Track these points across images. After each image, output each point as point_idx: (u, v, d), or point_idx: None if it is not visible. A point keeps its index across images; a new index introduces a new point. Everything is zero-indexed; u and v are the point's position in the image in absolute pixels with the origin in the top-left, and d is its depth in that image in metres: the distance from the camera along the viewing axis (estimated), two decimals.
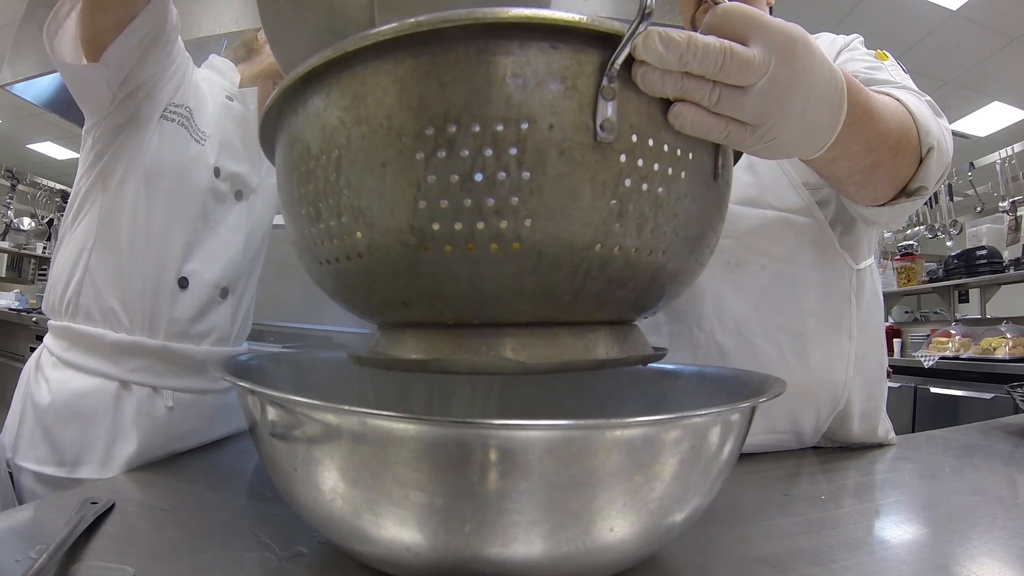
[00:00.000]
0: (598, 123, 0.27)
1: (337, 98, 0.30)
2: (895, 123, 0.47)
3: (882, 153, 0.47)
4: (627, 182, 0.28)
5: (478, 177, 0.27)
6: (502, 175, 0.27)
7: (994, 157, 3.38)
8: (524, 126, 0.27)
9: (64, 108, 2.43)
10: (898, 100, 0.51)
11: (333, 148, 0.30)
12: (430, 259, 0.29)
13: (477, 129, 0.27)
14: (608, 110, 0.27)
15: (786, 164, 0.69)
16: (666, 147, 0.30)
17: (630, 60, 0.28)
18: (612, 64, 0.27)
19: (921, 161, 0.51)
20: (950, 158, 0.54)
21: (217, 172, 0.75)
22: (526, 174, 0.27)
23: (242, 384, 0.32)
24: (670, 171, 0.30)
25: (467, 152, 0.27)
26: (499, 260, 0.28)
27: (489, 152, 0.27)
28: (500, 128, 0.27)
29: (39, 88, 2.33)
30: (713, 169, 0.33)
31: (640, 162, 0.29)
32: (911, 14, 3.09)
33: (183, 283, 0.70)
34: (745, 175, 0.70)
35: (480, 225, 0.27)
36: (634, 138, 0.28)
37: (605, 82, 0.27)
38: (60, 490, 0.62)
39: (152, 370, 0.68)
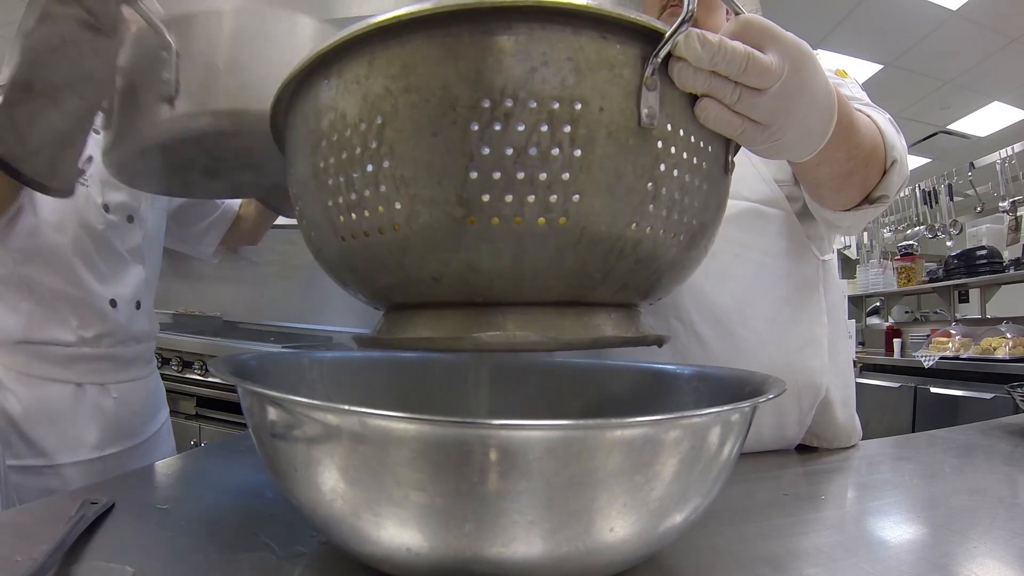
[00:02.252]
0: (642, 110, 0.29)
1: (382, 66, 0.29)
2: (869, 136, 0.53)
3: (857, 162, 0.52)
4: (662, 167, 0.30)
5: (532, 151, 0.28)
6: (556, 151, 0.28)
7: (994, 157, 3.38)
8: (578, 107, 0.28)
9: None
10: (868, 116, 0.56)
11: (376, 115, 0.29)
12: (474, 232, 0.29)
13: (534, 105, 0.28)
14: (651, 99, 0.29)
15: (756, 160, 0.71)
16: (692, 138, 0.32)
17: (666, 56, 0.30)
18: (655, 57, 0.29)
19: (885, 172, 0.56)
20: (908, 172, 0.59)
21: (106, 208, 0.82)
22: (578, 152, 0.28)
23: (242, 384, 0.32)
24: (695, 160, 0.32)
25: (523, 127, 0.28)
26: (544, 234, 0.29)
27: (544, 128, 0.28)
28: (556, 107, 0.28)
29: None
30: (724, 163, 0.35)
31: (673, 149, 0.31)
32: (911, 14, 3.09)
33: (113, 304, 0.82)
34: None
35: (531, 198, 0.28)
36: (669, 127, 0.31)
37: (648, 72, 0.29)
38: (41, 477, 0.76)
39: (98, 371, 0.82)
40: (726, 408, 0.30)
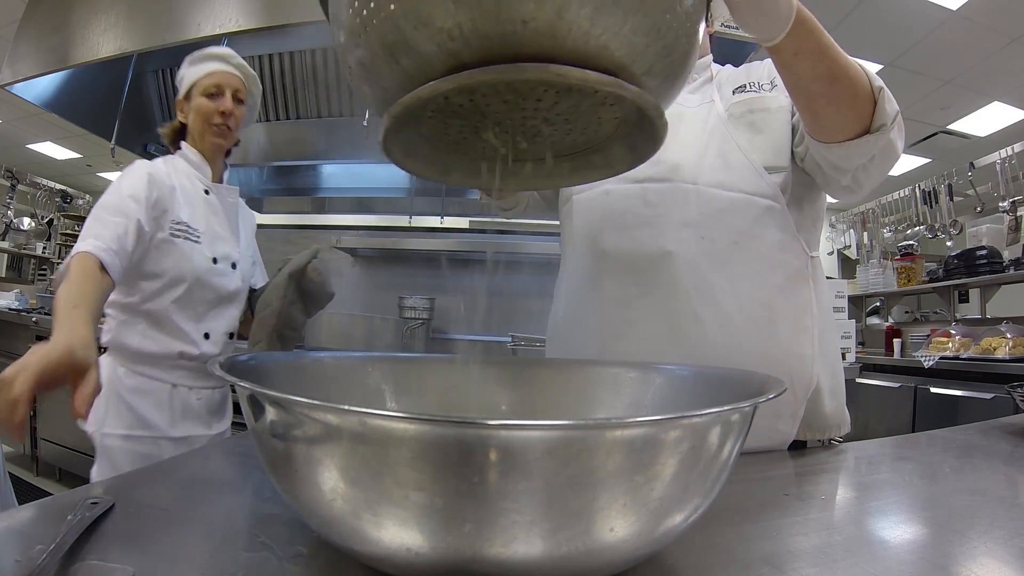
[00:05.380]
0: None
1: None
2: (846, 58, 0.58)
3: (837, 64, 0.57)
4: None
5: None
6: None
7: (994, 157, 3.38)
8: None
9: (64, 108, 2.44)
10: None
11: None
12: None
13: None
14: None
15: (752, 155, 0.76)
16: None
17: None
18: None
19: (876, 103, 0.61)
20: (898, 108, 0.63)
21: (215, 260, 1.11)
22: None
23: (242, 384, 0.32)
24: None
25: None
26: None
27: None
28: None
29: (39, 88, 2.33)
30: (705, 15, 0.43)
31: None
32: (911, 14, 3.09)
33: (207, 336, 1.11)
34: (717, 162, 0.77)
35: None
36: None
37: None
38: (140, 444, 1.04)
39: (188, 378, 1.11)
40: (726, 408, 0.30)
